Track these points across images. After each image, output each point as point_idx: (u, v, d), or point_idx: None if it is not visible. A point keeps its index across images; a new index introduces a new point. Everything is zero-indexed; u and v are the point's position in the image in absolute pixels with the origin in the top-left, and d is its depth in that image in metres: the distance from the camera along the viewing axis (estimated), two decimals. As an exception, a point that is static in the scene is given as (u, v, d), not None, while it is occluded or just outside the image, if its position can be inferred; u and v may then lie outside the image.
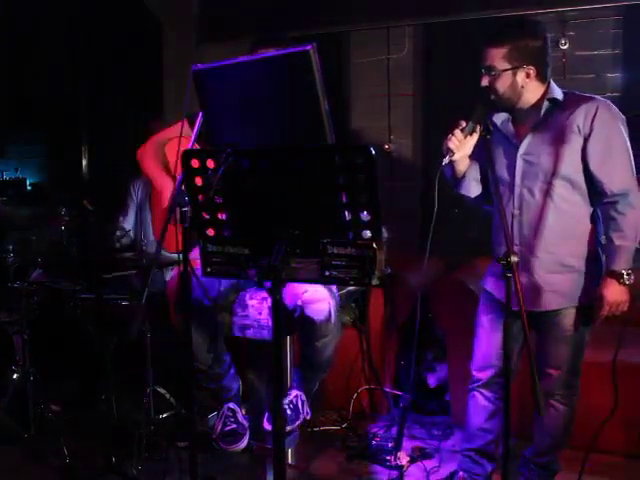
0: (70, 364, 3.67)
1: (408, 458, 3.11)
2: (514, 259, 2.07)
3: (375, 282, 1.70)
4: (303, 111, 1.79)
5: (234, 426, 3.17)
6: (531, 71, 2.45)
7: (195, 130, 2.26)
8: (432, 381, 3.74)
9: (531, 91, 2.49)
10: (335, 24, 4.66)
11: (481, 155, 2.55)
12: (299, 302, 2.71)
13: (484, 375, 2.69)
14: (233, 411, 3.20)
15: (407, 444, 3.30)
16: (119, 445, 3.04)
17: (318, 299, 2.77)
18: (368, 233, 1.68)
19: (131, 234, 4.00)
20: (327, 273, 1.75)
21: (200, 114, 2.17)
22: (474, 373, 2.73)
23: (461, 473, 2.82)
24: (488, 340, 2.68)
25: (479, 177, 2.68)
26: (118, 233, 3.79)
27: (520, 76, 2.45)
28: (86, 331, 3.44)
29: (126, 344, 3.27)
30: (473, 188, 2.69)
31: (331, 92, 1.80)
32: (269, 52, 2.03)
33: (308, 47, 1.70)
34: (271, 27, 4.64)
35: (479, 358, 2.72)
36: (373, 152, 1.61)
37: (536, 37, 2.45)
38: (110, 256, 3.58)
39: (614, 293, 2.43)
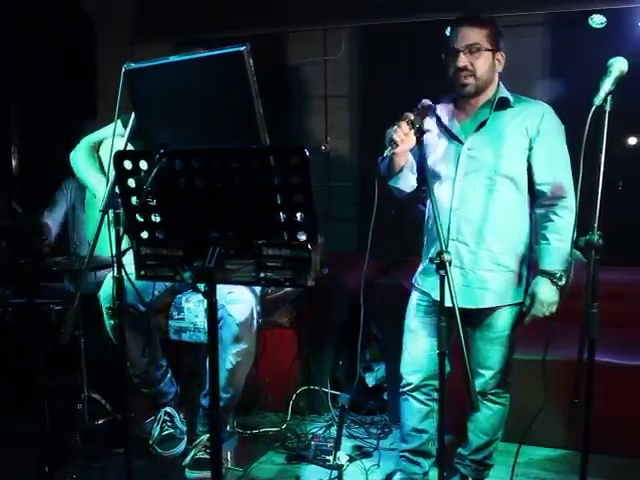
0: (1, 370, 3.55)
1: (347, 457, 3.12)
2: (447, 257, 2.08)
3: (311, 283, 1.70)
4: (237, 112, 1.77)
5: (171, 431, 3.15)
6: (501, 58, 2.53)
7: (128, 131, 2.22)
8: (370, 380, 3.77)
9: (494, 82, 2.54)
10: (272, 25, 4.65)
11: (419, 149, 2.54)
12: (222, 301, 2.73)
13: (414, 379, 2.68)
14: (171, 415, 3.17)
15: (346, 444, 3.32)
16: (53, 453, 2.96)
17: (241, 300, 2.81)
18: (303, 234, 1.67)
19: (52, 230, 3.88)
20: (262, 274, 1.74)
21: (133, 114, 2.14)
22: (404, 377, 2.72)
23: (399, 474, 2.84)
24: (417, 343, 2.67)
25: (415, 171, 2.60)
26: (45, 239, 3.67)
27: (497, 60, 2.52)
28: (18, 336, 3.34)
29: (60, 349, 3.18)
30: (409, 182, 2.60)
31: (267, 93, 1.79)
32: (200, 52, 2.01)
33: (241, 47, 1.69)
34: (207, 28, 4.59)
35: (408, 362, 2.71)
36: (307, 153, 1.61)
37: (499, 31, 2.54)
38: (42, 260, 3.48)
39: (546, 293, 2.47)
